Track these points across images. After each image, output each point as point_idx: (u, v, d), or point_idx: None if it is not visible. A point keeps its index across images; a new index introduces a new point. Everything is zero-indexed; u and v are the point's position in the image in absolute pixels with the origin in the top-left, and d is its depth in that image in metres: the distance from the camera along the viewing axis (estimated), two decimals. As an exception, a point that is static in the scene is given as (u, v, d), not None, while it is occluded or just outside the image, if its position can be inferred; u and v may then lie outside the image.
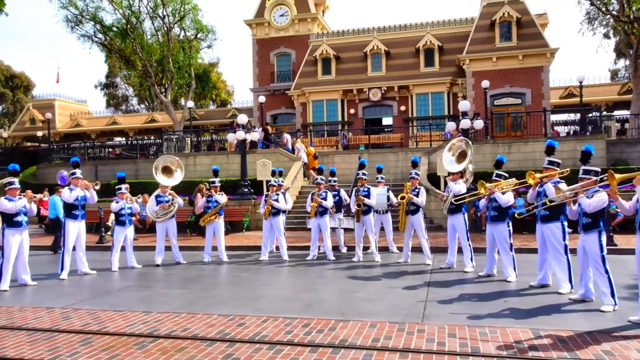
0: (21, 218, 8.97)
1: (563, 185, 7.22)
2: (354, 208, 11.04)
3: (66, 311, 7.01)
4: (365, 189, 10.92)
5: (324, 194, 11.21)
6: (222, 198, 11.59)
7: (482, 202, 9.00)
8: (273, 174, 12.71)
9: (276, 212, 11.52)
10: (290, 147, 22.51)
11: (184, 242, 13.89)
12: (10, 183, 9.02)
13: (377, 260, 10.71)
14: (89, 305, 7.34)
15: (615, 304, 6.45)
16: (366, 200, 10.79)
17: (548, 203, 7.43)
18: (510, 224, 8.72)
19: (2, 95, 54.53)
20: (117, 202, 10.71)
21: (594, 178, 6.77)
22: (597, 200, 6.57)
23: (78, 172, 10.08)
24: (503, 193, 8.53)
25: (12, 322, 6.46)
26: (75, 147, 30.32)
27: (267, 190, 11.82)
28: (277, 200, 11.49)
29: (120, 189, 10.89)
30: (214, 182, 11.69)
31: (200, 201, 12.04)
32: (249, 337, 5.58)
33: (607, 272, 6.55)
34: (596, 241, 6.66)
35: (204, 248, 11.67)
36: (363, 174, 11.14)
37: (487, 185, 8.59)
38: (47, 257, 12.97)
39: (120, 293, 8.33)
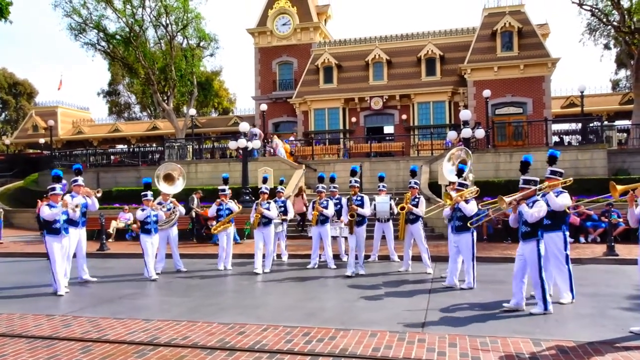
0: (59, 225, 8.93)
1: (507, 198, 7.21)
2: (346, 218, 10.30)
3: (66, 319, 7.00)
4: (359, 198, 10.31)
5: (325, 202, 11.17)
6: (235, 206, 11.45)
7: (447, 212, 8.98)
8: (264, 180, 12.15)
9: (267, 221, 10.92)
10: (259, 143, 22.30)
11: (185, 250, 13.87)
12: (53, 189, 9.03)
13: (361, 273, 10.17)
14: (90, 313, 7.34)
15: (546, 310, 6.75)
16: (360, 210, 10.13)
17: (491, 214, 7.53)
18: (475, 233, 8.81)
19: (5, 103, 54.80)
20: (143, 210, 10.36)
21: (534, 187, 7.01)
22: (538, 210, 6.81)
23: (80, 179, 10.08)
24: (467, 202, 8.57)
25: (12, 329, 6.45)
26: (77, 154, 30.39)
27: (258, 198, 11.31)
28: (268, 209, 10.87)
29: (146, 195, 10.47)
30: (223, 190, 11.45)
31: (210, 209, 11.62)
32: (249, 345, 5.57)
33: (542, 279, 6.84)
34: (535, 250, 6.91)
35: (218, 256, 11.53)
36: (355, 181, 10.50)
37: (453, 195, 8.63)
38: (45, 264, 12.94)
39: (120, 301, 8.32)
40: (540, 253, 6.90)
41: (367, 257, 12.04)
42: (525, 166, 7.32)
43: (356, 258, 10.54)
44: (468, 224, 8.50)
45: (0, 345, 5.79)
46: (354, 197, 10.28)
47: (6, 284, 9.97)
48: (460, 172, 9.25)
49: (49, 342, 5.87)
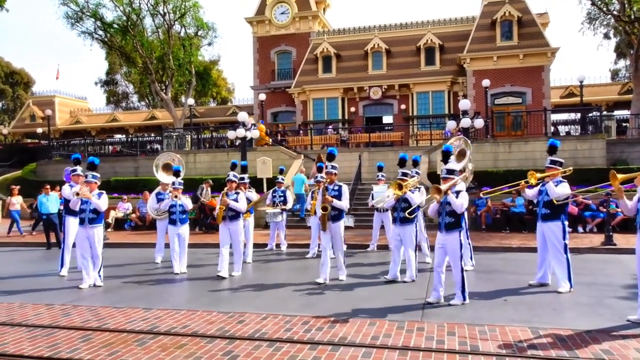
0: (85, 215, 8.55)
1: (443, 186, 7.12)
2: (319, 212, 8.42)
3: (66, 308, 7.02)
4: (336, 187, 8.46)
5: (324, 192, 11.14)
6: (253, 195, 10.80)
7: (390, 203, 8.59)
8: (233, 167, 10.08)
9: (234, 214, 9.20)
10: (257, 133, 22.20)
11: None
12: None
13: (341, 279, 8.62)
14: (89, 302, 7.35)
15: (465, 300, 6.77)
16: (335, 202, 8.27)
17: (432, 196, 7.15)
18: (417, 224, 8.67)
19: (2, 92, 54.50)
20: (167, 198, 10.01)
21: (456, 178, 7.06)
22: (466, 199, 6.88)
23: (79, 169, 10.02)
24: (412, 192, 8.38)
25: (12, 318, 6.47)
26: (75, 144, 30.28)
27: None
28: (236, 200, 9.15)
29: (173, 183, 9.90)
30: (242, 179, 10.44)
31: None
32: (249, 334, 5.59)
33: (462, 269, 6.85)
34: (457, 240, 6.89)
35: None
36: (332, 167, 8.55)
37: (405, 184, 8.29)
38: (44, 253, 12.97)
39: (120, 290, 8.34)
40: (462, 243, 6.93)
41: (366, 246, 12.09)
42: (402, 162, 7.78)
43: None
44: (406, 214, 8.19)
45: (0, 333, 5.81)
46: (330, 186, 8.50)
47: (5, 274, 9.98)
48: (402, 162, 8.84)
49: (49, 330, 5.89)
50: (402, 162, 8.82)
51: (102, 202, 8.55)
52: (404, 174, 8.62)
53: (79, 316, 6.53)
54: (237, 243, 9.32)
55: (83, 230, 8.65)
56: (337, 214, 8.42)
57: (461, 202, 6.80)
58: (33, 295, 8.00)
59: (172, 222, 9.91)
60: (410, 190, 8.35)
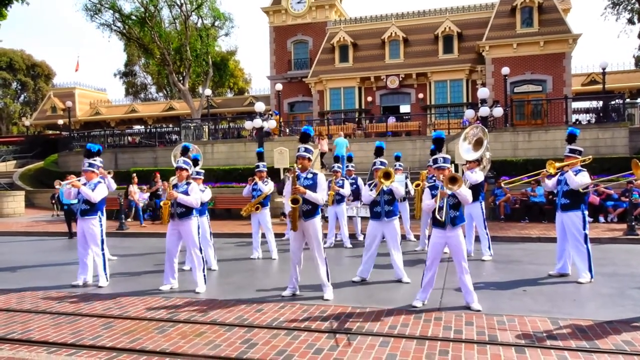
0: (77, 206, 8.30)
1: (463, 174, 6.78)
2: (287, 205, 6.71)
3: (88, 296, 7.16)
4: (310, 176, 6.75)
5: (341, 182, 11.18)
6: (265, 186, 10.00)
7: (371, 195, 7.62)
8: (184, 151, 8.25)
9: (184, 211, 7.33)
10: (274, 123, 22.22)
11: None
12: (91, 165, 8.97)
13: (326, 298, 6.77)
14: (111, 290, 7.49)
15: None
16: (310, 194, 6.54)
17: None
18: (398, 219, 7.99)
19: (23, 84, 55.38)
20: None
21: (448, 166, 6.41)
22: (469, 191, 6.29)
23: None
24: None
25: (37, 306, 6.63)
26: (95, 135, 30.69)
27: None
28: (186, 193, 7.30)
29: (199, 173, 9.28)
30: (258, 167, 10.09)
31: (245, 189, 10.24)
32: (267, 322, 5.64)
33: (467, 270, 6.19)
34: (462, 235, 6.27)
35: (252, 243, 10.36)
36: (306, 149, 6.77)
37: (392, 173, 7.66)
38: (66, 243, 13.22)
39: (140, 279, 8.48)
40: (464, 240, 6.32)
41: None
42: (379, 151, 7.72)
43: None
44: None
45: (25, 321, 5.96)
46: (302, 174, 6.76)
47: (29, 263, 10.21)
48: (379, 151, 8.21)
49: (72, 318, 6.02)
50: (379, 151, 8.16)
51: (95, 192, 7.84)
52: (382, 163, 7.89)
53: (101, 304, 6.66)
54: (191, 246, 7.46)
55: (78, 222, 8.14)
56: (311, 209, 6.69)
57: (469, 192, 6.27)
58: (56, 283, 8.17)
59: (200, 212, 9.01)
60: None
